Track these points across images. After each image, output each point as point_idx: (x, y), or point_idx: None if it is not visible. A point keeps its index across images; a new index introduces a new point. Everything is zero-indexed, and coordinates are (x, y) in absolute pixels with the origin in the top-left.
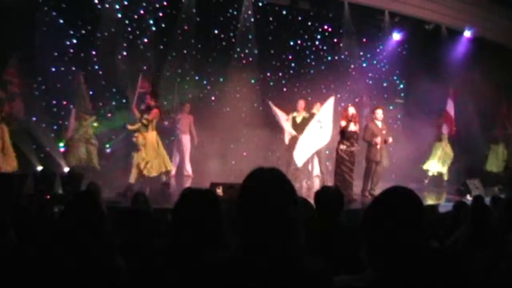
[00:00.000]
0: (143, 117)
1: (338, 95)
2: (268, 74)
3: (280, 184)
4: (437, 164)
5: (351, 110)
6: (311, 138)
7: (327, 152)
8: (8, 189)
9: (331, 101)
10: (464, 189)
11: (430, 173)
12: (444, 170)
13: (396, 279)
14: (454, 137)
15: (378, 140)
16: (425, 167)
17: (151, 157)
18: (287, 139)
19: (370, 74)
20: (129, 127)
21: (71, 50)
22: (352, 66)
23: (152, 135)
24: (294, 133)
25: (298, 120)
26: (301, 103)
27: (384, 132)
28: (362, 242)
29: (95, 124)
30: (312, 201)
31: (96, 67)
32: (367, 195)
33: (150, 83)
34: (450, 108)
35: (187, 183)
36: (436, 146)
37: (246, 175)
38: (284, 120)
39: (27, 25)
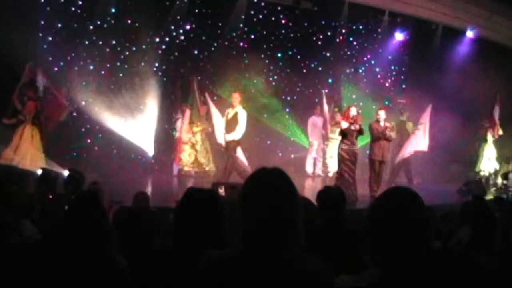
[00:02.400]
0: (20, 111)
1: (341, 95)
2: (270, 74)
3: (282, 184)
4: (488, 164)
5: (354, 110)
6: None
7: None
8: (10, 188)
9: (429, 109)
10: (466, 190)
11: (482, 173)
12: (496, 168)
13: (398, 279)
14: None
15: (389, 124)
16: (477, 169)
17: (23, 151)
18: (221, 139)
19: (372, 74)
20: (5, 121)
21: (73, 50)
22: (354, 66)
23: (28, 129)
24: (223, 131)
25: (230, 115)
26: (236, 96)
27: (387, 131)
28: (365, 242)
29: (209, 130)
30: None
31: (99, 66)
32: (374, 195)
33: (35, 73)
34: (496, 113)
35: (189, 183)
36: (482, 147)
37: (248, 175)
38: (220, 118)
39: (29, 25)
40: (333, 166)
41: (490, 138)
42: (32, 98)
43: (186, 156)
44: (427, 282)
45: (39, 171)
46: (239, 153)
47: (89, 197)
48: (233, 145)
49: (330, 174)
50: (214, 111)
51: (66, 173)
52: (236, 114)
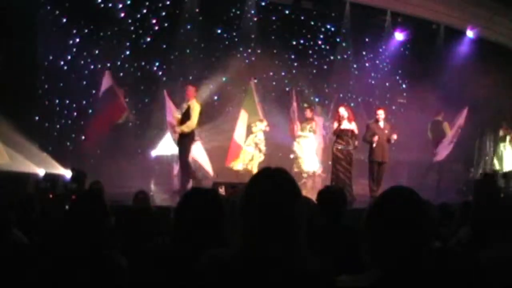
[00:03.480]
0: None
1: (341, 95)
2: (271, 74)
3: (285, 184)
4: (497, 162)
5: (341, 110)
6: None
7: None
8: (11, 188)
9: (465, 112)
10: (466, 189)
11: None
12: (504, 168)
13: (398, 279)
14: None
15: (376, 138)
16: (496, 167)
17: None
18: (173, 137)
19: (372, 74)
20: None
21: (74, 49)
22: (355, 65)
23: None
24: (176, 128)
25: (184, 109)
26: (190, 89)
27: (386, 131)
28: (364, 242)
29: (267, 129)
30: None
31: (99, 66)
32: (374, 195)
33: None
34: None
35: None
36: (504, 147)
37: (252, 175)
38: (175, 114)
39: (29, 24)
40: (307, 166)
41: (508, 139)
42: None
43: (248, 156)
44: (427, 282)
45: (41, 172)
46: (199, 154)
47: (91, 197)
48: (185, 141)
49: (305, 175)
50: (170, 105)
51: (67, 172)
52: (188, 108)
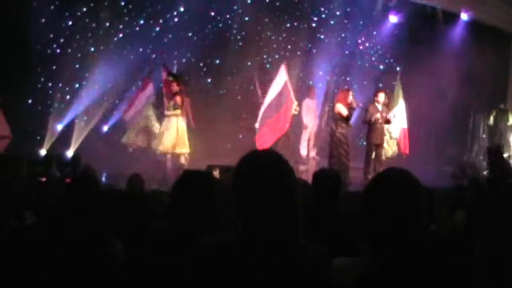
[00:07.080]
0: None
1: (335, 78)
2: (264, 56)
3: (278, 166)
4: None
5: (350, 95)
6: None
7: None
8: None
9: None
10: (461, 174)
11: None
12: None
13: (395, 264)
14: None
15: (377, 116)
16: None
17: None
18: None
19: (366, 57)
20: None
21: (67, 32)
22: (348, 49)
23: None
24: None
25: None
26: None
27: (384, 114)
28: (361, 227)
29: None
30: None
31: (92, 49)
32: (369, 177)
33: None
34: None
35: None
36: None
37: (240, 158)
38: None
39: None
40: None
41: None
42: None
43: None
44: (423, 267)
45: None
46: None
47: (88, 181)
48: None
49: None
50: None
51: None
52: None
